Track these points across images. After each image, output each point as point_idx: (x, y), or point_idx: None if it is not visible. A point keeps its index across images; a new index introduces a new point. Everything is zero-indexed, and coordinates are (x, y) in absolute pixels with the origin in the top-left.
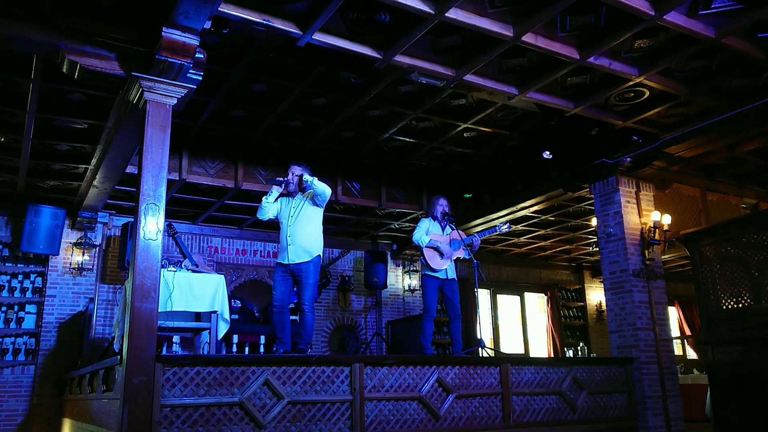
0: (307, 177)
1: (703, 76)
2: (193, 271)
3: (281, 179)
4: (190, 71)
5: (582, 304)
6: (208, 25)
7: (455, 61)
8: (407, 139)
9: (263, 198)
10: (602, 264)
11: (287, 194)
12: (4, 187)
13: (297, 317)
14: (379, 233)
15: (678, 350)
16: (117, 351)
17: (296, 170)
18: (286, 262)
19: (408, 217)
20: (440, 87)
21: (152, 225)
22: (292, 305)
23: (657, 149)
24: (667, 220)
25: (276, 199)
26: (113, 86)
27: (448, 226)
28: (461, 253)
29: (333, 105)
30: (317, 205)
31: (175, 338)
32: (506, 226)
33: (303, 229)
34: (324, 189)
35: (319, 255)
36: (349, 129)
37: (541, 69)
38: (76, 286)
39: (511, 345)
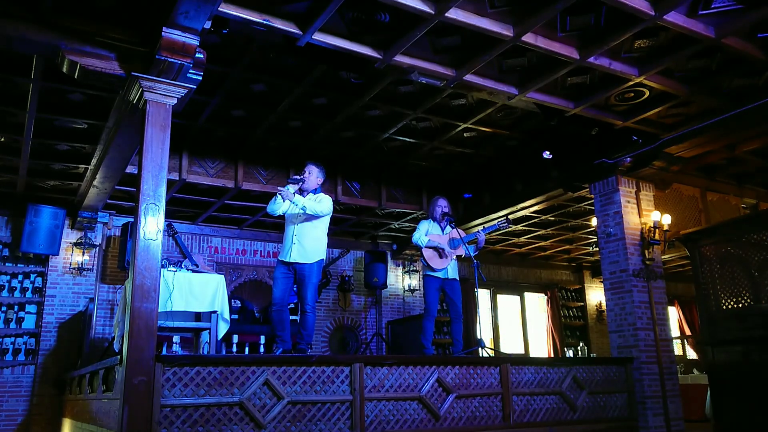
0: (298, 200)
1: (703, 76)
2: (193, 271)
3: (297, 177)
4: (190, 71)
5: (582, 304)
6: (208, 25)
7: (455, 61)
8: (407, 139)
9: (277, 193)
10: (602, 264)
11: (299, 191)
12: (4, 187)
13: (297, 317)
14: (379, 233)
15: (678, 350)
16: (117, 351)
17: (311, 169)
18: (288, 261)
19: (408, 217)
20: (440, 87)
21: (152, 225)
22: (291, 305)
23: (657, 149)
24: (667, 220)
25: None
26: (113, 86)
27: (448, 226)
28: (461, 252)
29: (333, 105)
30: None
31: (175, 338)
32: (506, 223)
33: (309, 230)
34: (316, 210)
35: (323, 258)
36: (349, 129)
37: (541, 69)
38: (76, 286)
39: (511, 345)
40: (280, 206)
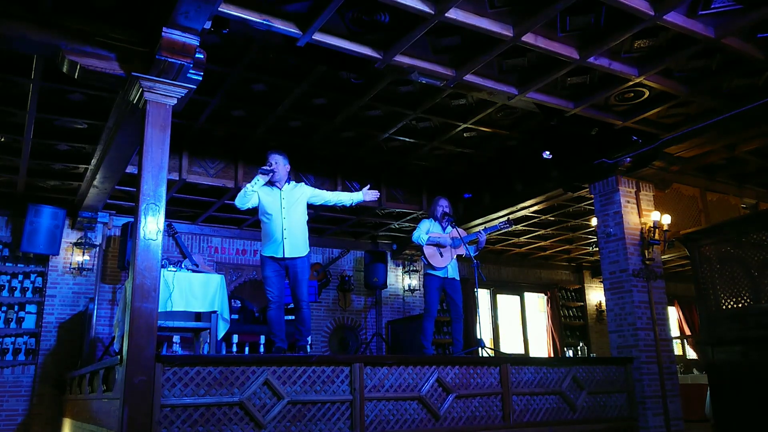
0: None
1: (703, 76)
2: (193, 271)
3: (267, 168)
4: (190, 71)
5: (582, 304)
6: (208, 25)
7: (455, 61)
8: (407, 139)
9: (247, 185)
10: (602, 264)
11: (269, 183)
12: (4, 187)
13: (292, 316)
14: (379, 233)
15: (678, 350)
16: (117, 351)
17: (278, 159)
18: (280, 257)
19: (408, 217)
20: (440, 87)
21: (152, 225)
22: (291, 305)
23: (657, 149)
24: (667, 220)
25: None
26: (113, 86)
27: (449, 226)
28: (462, 251)
29: (333, 105)
30: (310, 204)
31: (175, 338)
32: (507, 224)
33: (298, 223)
34: (342, 198)
35: (310, 250)
36: (349, 129)
37: (541, 69)
38: (76, 286)
39: (511, 345)
40: (251, 197)
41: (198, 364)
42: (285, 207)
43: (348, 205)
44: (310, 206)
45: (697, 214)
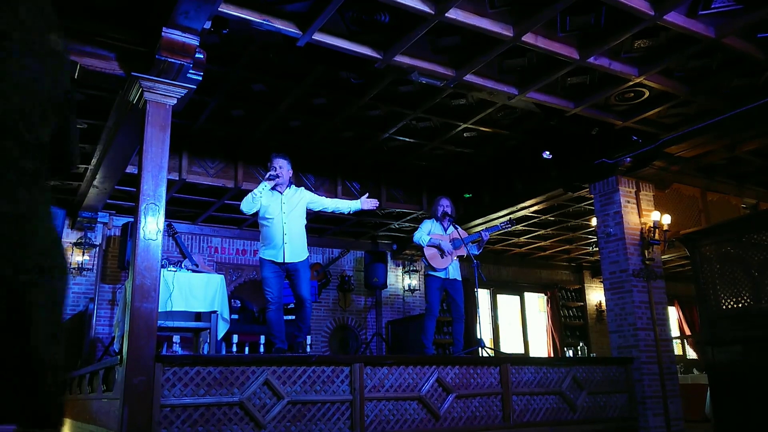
0: (338, 203)
1: (703, 76)
2: (193, 271)
3: (273, 174)
4: (190, 71)
5: (582, 304)
6: (208, 25)
7: (455, 61)
8: (407, 139)
9: (255, 191)
10: (602, 264)
11: (273, 188)
12: None
13: (292, 316)
14: (379, 233)
15: (678, 350)
16: (117, 351)
17: (283, 163)
18: (281, 261)
19: (408, 217)
20: (440, 87)
21: (152, 225)
22: (291, 305)
23: (657, 149)
24: (667, 220)
25: None
26: (113, 86)
27: (450, 226)
28: (463, 252)
29: (333, 105)
30: (308, 209)
31: (175, 338)
32: (509, 224)
33: (298, 227)
34: (339, 206)
35: (309, 254)
36: (349, 129)
37: (541, 69)
38: (76, 286)
39: (511, 345)
40: (258, 202)
41: (198, 364)
42: (285, 211)
43: (346, 213)
44: (307, 210)
45: (697, 214)
